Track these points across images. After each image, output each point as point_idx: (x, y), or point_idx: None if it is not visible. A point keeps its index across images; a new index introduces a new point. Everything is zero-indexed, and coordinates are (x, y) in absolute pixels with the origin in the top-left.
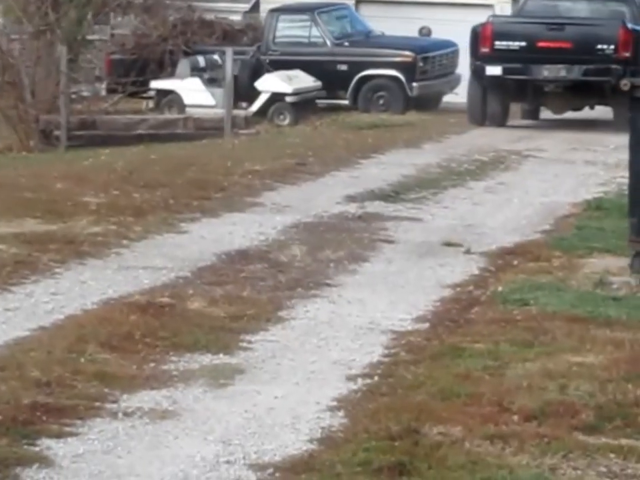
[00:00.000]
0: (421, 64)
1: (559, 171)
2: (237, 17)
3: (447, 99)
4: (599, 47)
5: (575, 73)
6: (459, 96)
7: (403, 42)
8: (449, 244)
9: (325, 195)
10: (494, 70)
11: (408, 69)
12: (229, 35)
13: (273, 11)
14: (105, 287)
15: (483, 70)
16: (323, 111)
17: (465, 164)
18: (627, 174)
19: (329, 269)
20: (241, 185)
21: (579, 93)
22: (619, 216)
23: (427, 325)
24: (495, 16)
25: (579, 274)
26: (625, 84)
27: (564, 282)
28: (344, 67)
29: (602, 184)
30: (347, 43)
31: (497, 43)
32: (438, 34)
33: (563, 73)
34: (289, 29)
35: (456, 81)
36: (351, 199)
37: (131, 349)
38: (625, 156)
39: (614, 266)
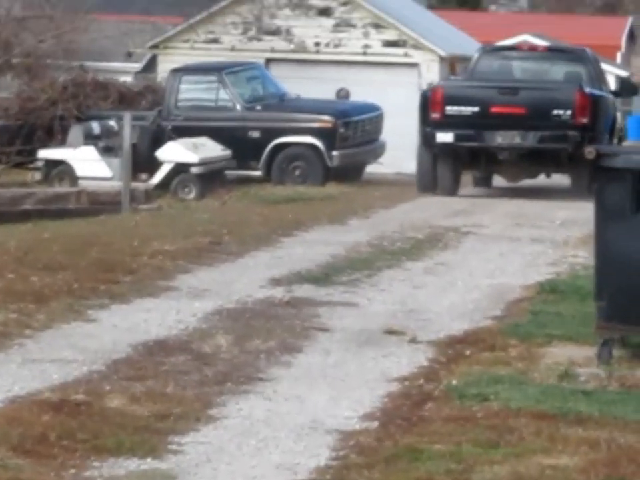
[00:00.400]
0: (341, 130)
1: (503, 250)
2: (128, 78)
3: (370, 169)
4: (555, 112)
5: (530, 139)
6: (383, 166)
7: (322, 105)
8: (391, 332)
9: (246, 278)
10: (445, 137)
11: (327, 135)
12: (126, 98)
13: (175, 71)
14: (10, 382)
15: (434, 137)
16: (232, 183)
17: (398, 242)
18: (578, 252)
19: (259, 360)
20: (152, 266)
21: (535, 160)
22: (577, 299)
23: (376, 423)
24: (446, 79)
25: (540, 365)
26: (590, 152)
27: (525, 374)
28: (256, 134)
29: (552, 264)
30: (259, 107)
31: (448, 108)
32: (357, 96)
33: (517, 140)
34: (193, 91)
35: (380, 149)
36: (276, 282)
37: (46, 453)
38: (573, 232)
39: (578, 356)
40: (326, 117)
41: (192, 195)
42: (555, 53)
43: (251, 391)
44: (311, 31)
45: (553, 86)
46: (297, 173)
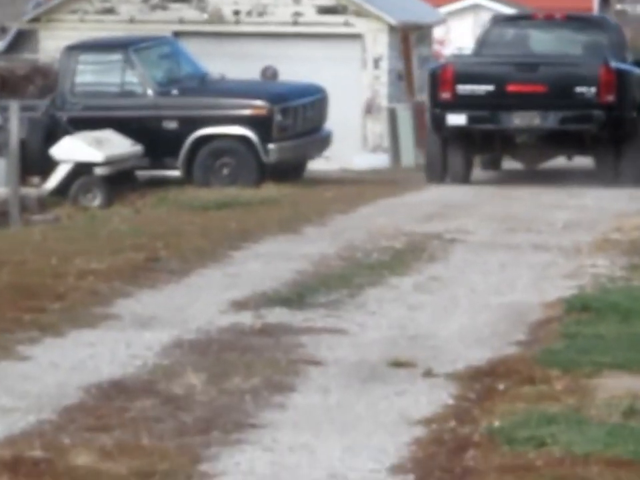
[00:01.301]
0: (278, 118)
1: (503, 260)
2: None
3: (312, 165)
4: (578, 90)
5: (551, 120)
6: (330, 161)
7: (253, 88)
8: (397, 364)
9: (200, 301)
10: (457, 119)
11: (261, 125)
12: (9, 84)
13: (70, 48)
14: None
15: (444, 119)
16: (145, 186)
17: (373, 253)
18: (596, 261)
19: (245, 403)
20: (83, 290)
21: (556, 143)
22: (617, 319)
23: (411, 477)
24: (456, 55)
25: (595, 400)
26: None
27: (580, 412)
28: (172, 125)
29: (569, 276)
30: (175, 92)
31: (460, 87)
32: (287, 76)
33: (536, 122)
34: (93, 74)
35: (325, 141)
36: (239, 305)
37: None
38: (581, 237)
39: (639, 387)
40: (259, 102)
41: (96, 202)
42: (574, 21)
43: (244, 440)
44: None
45: (575, 61)
46: (225, 171)
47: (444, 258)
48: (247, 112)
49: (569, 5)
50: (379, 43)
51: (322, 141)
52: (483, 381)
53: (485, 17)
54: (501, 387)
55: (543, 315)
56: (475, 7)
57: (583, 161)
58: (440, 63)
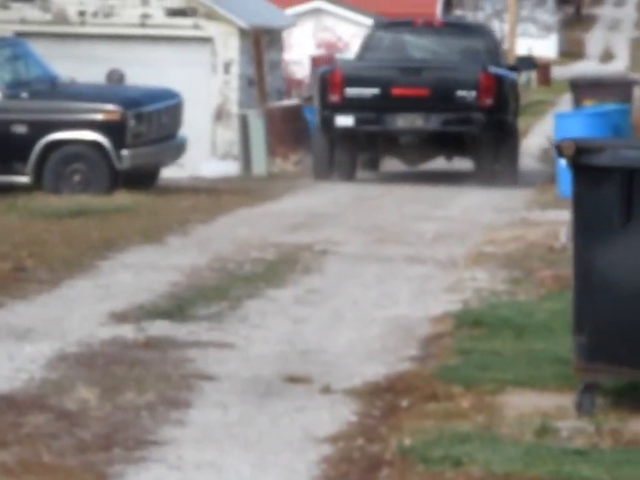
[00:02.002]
0: (132, 123)
1: (379, 273)
2: None
3: (164, 173)
4: (459, 93)
5: (433, 123)
6: (183, 168)
7: (105, 92)
8: (292, 379)
9: (77, 313)
10: (345, 120)
11: (114, 130)
12: None
13: None
14: None
15: (332, 121)
16: None
17: (245, 265)
18: (475, 274)
19: (142, 419)
20: None
21: (437, 144)
22: (510, 334)
23: None
24: (343, 60)
25: (505, 418)
26: (568, 146)
27: (491, 430)
28: (21, 129)
29: (450, 289)
30: (24, 95)
31: (348, 90)
32: (134, 79)
33: (419, 123)
34: None
35: (180, 147)
36: (118, 318)
37: None
38: (454, 249)
39: (546, 405)
40: (112, 107)
41: None
42: (452, 28)
43: (148, 457)
44: None
45: (456, 66)
46: (76, 178)
47: (318, 270)
48: (99, 117)
49: (413, 10)
50: (230, 47)
51: (177, 148)
52: (384, 397)
53: (326, 22)
54: (404, 403)
55: (432, 330)
56: (316, 11)
57: (461, 164)
58: (329, 67)
